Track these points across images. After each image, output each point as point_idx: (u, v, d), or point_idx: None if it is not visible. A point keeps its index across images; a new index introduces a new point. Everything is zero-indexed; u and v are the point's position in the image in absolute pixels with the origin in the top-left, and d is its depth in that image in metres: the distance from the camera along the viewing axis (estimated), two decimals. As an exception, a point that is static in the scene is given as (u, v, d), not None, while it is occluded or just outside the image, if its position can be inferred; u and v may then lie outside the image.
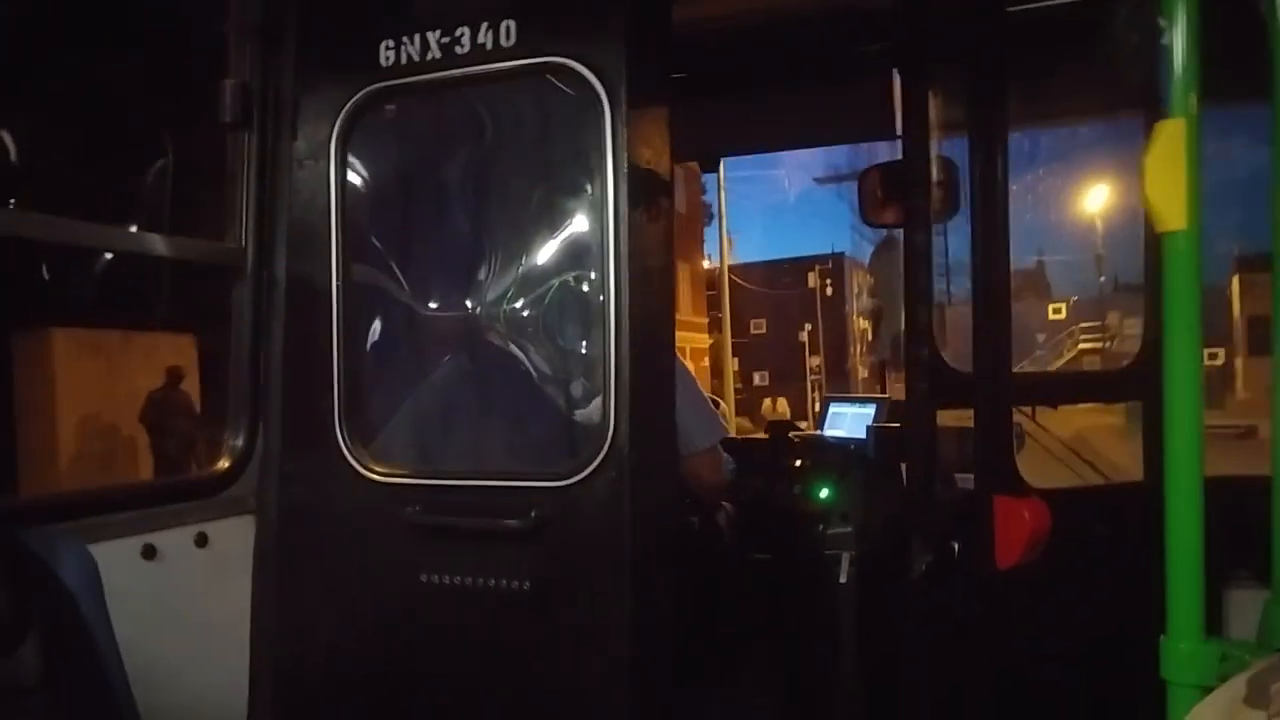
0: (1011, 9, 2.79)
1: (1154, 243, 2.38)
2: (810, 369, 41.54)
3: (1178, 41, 1.21)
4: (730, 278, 37.53)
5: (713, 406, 3.01)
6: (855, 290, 47.13)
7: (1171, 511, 1.31)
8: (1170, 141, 1.17)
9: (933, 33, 2.72)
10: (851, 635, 2.77)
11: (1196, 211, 1.19)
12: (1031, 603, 2.72)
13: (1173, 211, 1.18)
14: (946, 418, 2.82)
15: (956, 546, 2.67)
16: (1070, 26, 3.00)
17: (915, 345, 2.76)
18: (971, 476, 2.78)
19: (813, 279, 44.45)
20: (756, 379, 41.88)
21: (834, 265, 45.62)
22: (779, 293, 43.18)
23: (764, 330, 43.41)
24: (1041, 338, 33.75)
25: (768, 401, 28.73)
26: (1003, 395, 2.76)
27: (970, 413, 2.71)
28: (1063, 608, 2.82)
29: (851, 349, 46.36)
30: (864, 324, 46.40)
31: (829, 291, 44.83)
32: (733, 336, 28.25)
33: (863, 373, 44.62)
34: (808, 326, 42.84)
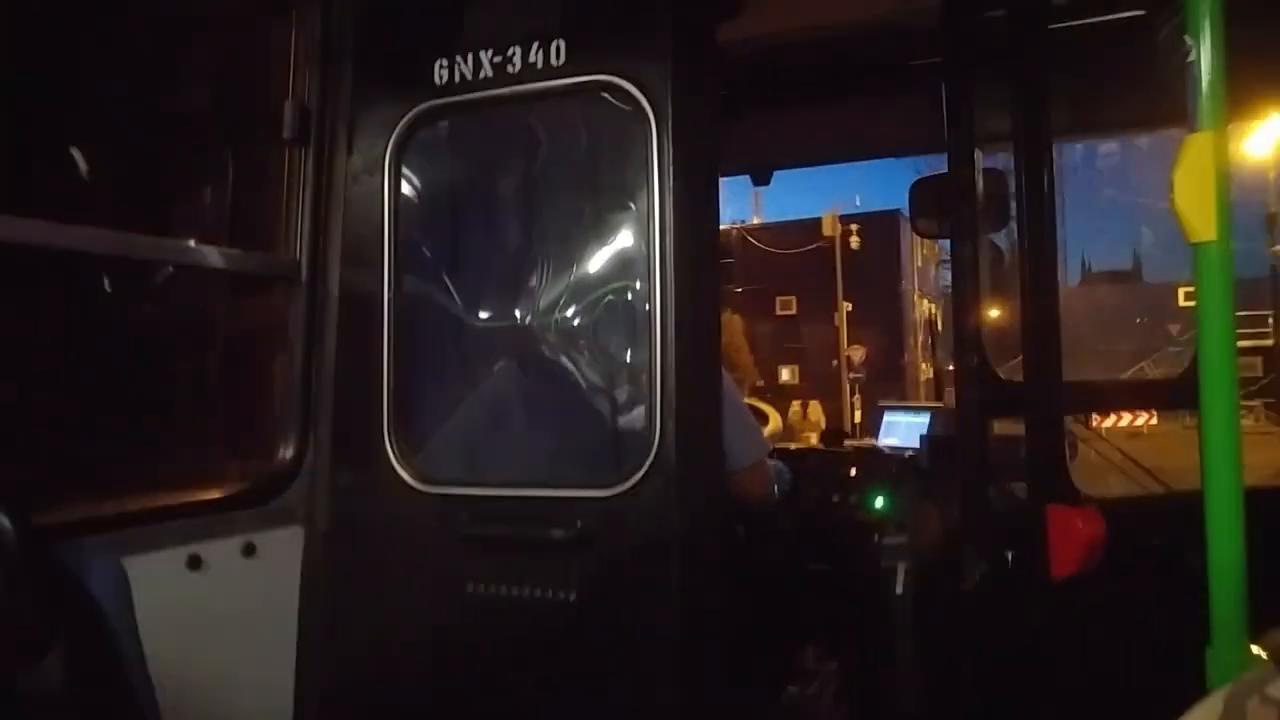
0: (1054, 25, 2.79)
1: None
2: (849, 364, 30.36)
3: (1205, 58, 1.22)
4: (747, 239, 31.14)
5: (755, 421, 3.02)
6: (915, 260, 36.39)
7: (1212, 520, 1.30)
8: (1199, 154, 1.18)
9: (977, 46, 2.73)
10: (908, 646, 2.77)
11: (1227, 222, 1.19)
12: (1089, 613, 2.69)
13: (1203, 222, 1.18)
14: (1007, 426, 2.80)
15: (1011, 557, 2.65)
16: (1112, 40, 2.98)
17: (964, 354, 2.75)
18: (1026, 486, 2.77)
19: (854, 240, 32.74)
20: (784, 375, 31.78)
21: (882, 225, 33.18)
22: (801, 253, 31.67)
23: (793, 309, 33.08)
24: (1176, 328, 29.12)
25: (796, 406, 22.52)
26: (1054, 403, 2.74)
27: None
28: (1120, 618, 2.78)
29: (909, 339, 35.61)
30: (928, 306, 36.52)
31: (863, 253, 32.46)
32: (753, 318, 21.99)
33: (925, 370, 34.45)
34: (847, 306, 31.40)
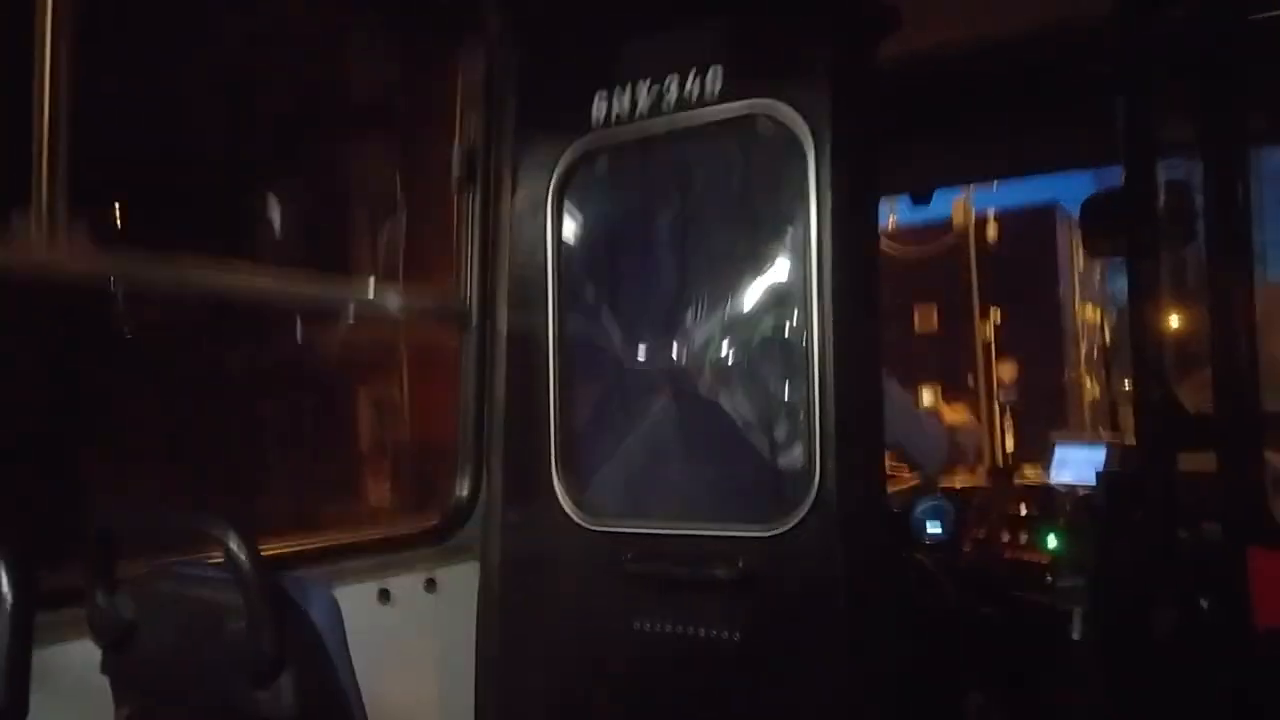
0: (1253, 16, 2.59)
1: None
2: (999, 383, 29.16)
3: None
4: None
5: (930, 420, 2.99)
6: (1076, 263, 32.29)
7: None
8: None
9: (1156, 47, 2.57)
10: (1090, 695, 2.62)
11: None
12: None
13: None
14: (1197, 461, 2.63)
15: (1206, 603, 2.48)
16: None
17: (1145, 384, 2.59)
18: (1219, 526, 2.59)
19: (991, 230, 30.40)
20: (925, 397, 27.59)
21: (1034, 221, 29.01)
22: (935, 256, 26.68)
23: (935, 326, 29.50)
24: None
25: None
26: (1250, 434, 2.55)
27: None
28: None
29: (1070, 353, 31.82)
30: (1092, 313, 33.29)
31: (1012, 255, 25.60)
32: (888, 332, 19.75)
33: (1091, 390, 30.86)
34: (994, 316, 28.62)
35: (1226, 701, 2.42)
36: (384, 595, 2.38)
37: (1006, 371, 25.27)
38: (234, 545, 1.56)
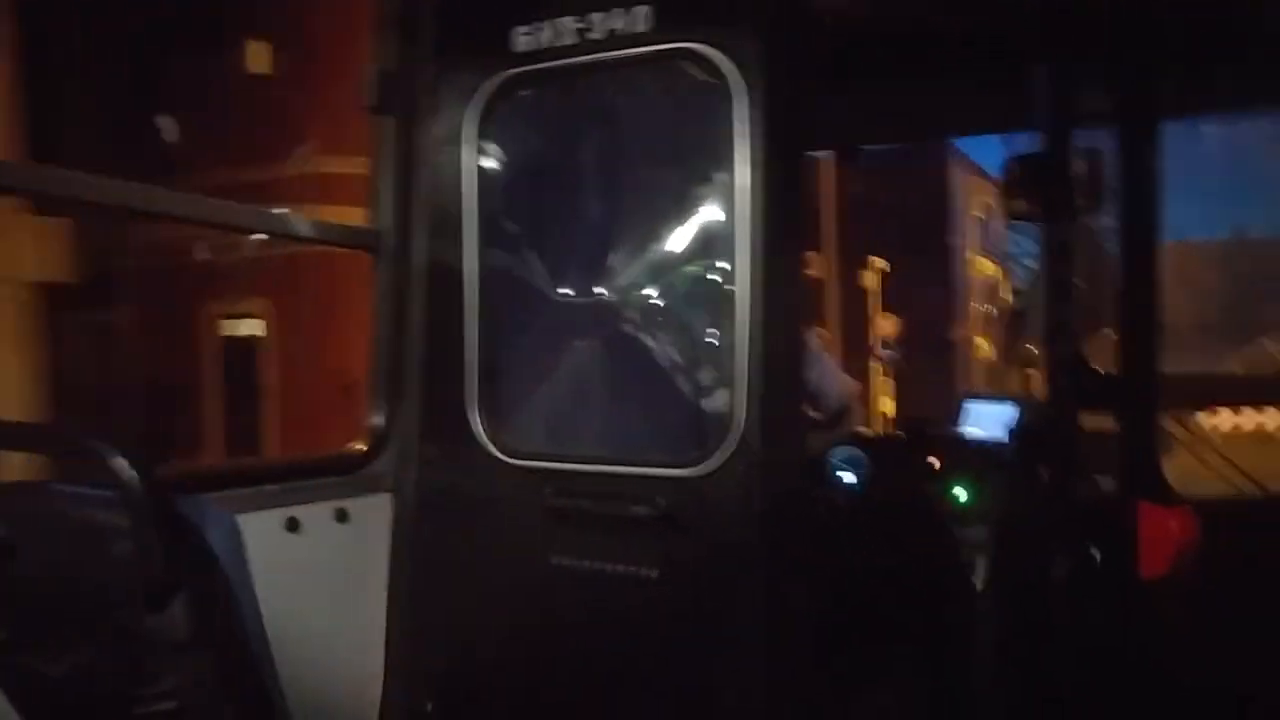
0: None
1: None
2: (881, 339, 22.73)
3: None
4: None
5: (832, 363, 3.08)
6: (973, 211, 30.38)
7: None
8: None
9: (1077, 19, 2.62)
10: (990, 642, 2.71)
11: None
12: (1179, 616, 2.61)
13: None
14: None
15: (1098, 554, 2.58)
16: (1228, 7, 2.84)
17: (1056, 342, 2.66)
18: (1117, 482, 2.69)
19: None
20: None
21: (922, 165, 24.89)
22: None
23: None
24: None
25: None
26: (1150, 397, 2.65)
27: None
28: (1210, 623, 2.70)
29: (963, 308, 29.51)
30: (990, 269, 30.61)
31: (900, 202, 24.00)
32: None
33: (982, 347, 29.73)
34: (876, 267, 23.50)
35: (1109, 645, 2.53)
36: (292, 524, 2.30)
37: (887, 326, 22.71)
38: (118, 464, 1.52)
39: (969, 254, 31.04)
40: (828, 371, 3.07)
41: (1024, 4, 2.83)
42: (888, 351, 22.25)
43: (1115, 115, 2.70)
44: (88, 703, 1.65)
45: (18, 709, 1.56)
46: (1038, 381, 2.93)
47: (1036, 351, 2.86)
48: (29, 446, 2.04)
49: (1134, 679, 2.54)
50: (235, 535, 1.70)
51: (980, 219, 31.63)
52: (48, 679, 1.63)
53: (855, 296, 23.43)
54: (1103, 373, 2.72)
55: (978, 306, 31.13)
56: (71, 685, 1.64)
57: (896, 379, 21.34)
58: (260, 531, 2.13)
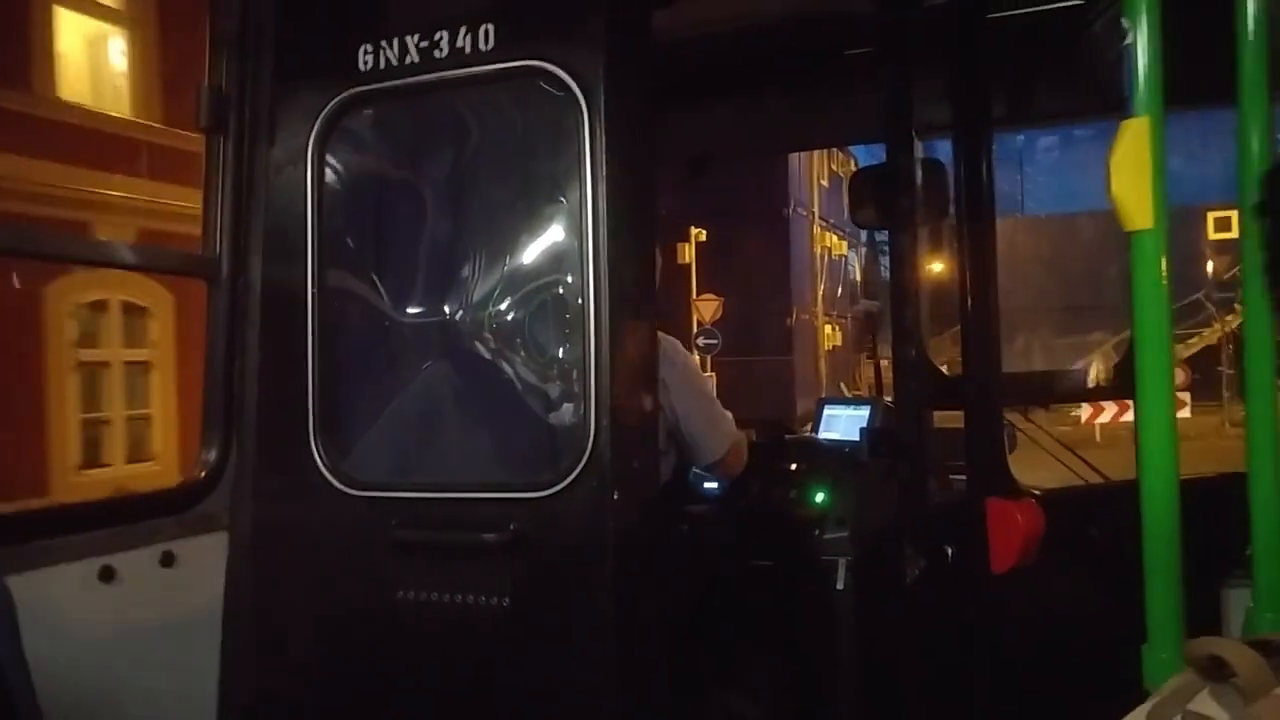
0: (992, 15, 2.78)
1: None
2: (697, 322, 20.68)
3: (1141, 42, 1.19)
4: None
5: (719, 407, 2.98)
6: (816, 178, 27.97)
7: (1148, 514, 1.28)
8: (1135, 140, 1.15)
9: (913, 34, 2.71)
10: (849, 642, 2.75)
11: (1163, 210, 1.17)
12: (1027, 606, 2.69)
13: (1139, 210, 1.15)
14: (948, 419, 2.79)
15: (950, 550, 2.65)
16: (1053, 29, 2.99)
17: (903, 346, 2.74)
18: (962, 480, 2.77)
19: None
20: None
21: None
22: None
23: None
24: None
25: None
26: (992, 396, 2.74)
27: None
28: (1058, 611, 2.79)
29: (802, 288, 26.32)
30: (833, 241, 27.73)
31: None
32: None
33: (831, 336, 26.82)
34: (694, 238, 20.91)
35: (962, 639, 2.59)
36: (106, 574, 2.14)
37: (706, 309, 20.16)
38: None
39: (813, 227, 27.59)
40: (704, 407, 2.93)
41: (863, 17, 2.92)
42: (707, 340, 19.85)
43: (953, 127, 2.80)
44: None
45: None
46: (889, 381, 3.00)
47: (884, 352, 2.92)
48: None
49: (986, 672, 2.61)
50: (5, 604, 1.54)
51: (824, 186, 28.24)
52: None
53: (670, 274, 18.57)
54: (947, 373, 2.82)
55: (823, 288, 27.48)
56: None
57: (717, 373, 18.65)
58: (66, 585, 1.98)
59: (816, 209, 28.13)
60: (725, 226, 21.45)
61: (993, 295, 2.77)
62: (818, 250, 28.11)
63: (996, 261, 2.80)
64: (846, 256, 30.62)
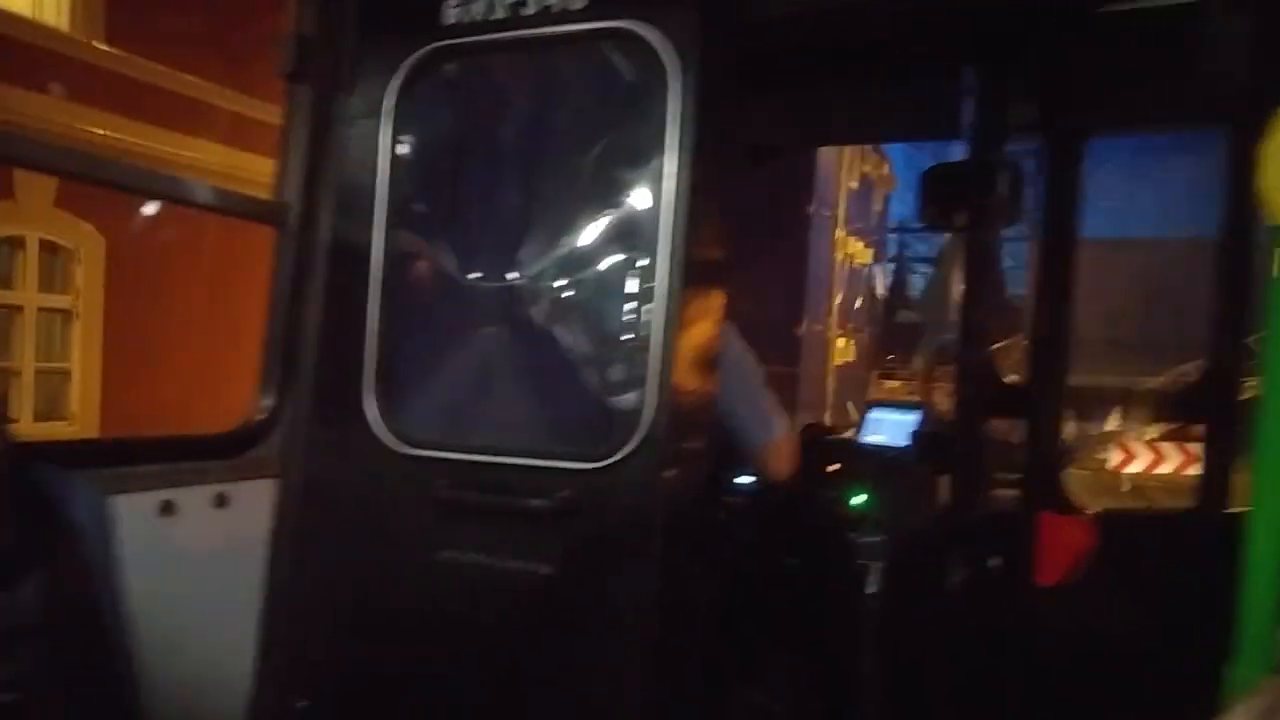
0: (1098, 9, 2.69)
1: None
2: None
3: None
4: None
5: (771, 396, 2.91)
6: (846, 181, 25.41)
7: (1254, 540, 1.23)
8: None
9: (1007, 30, 2.64)
10: (877, 647, 2.70)
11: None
12: (1065, 619, 2.64)
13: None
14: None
15: (996, 562, 2.59)
16: (1157, 27, 2.89)
17: (969, 351, 2.67)
18: (1013, 492, 2.71)
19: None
20: None
21: None
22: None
23: None
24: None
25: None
26: (1057, 409, 2.68)
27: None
28: (1101, 630, 2.73)
29: (819, 295, 24.71)
30: (860, 249, 25.62)
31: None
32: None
33: (844, 349, 24.93)
34: None
35: (999, 651, 2.54)
36: (167, 507, 2.16)
37: None
38: None
39: (836, 231, 25.51)
40: (754, 396, 2.87)
41: (953, 11, 2.85)
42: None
43: (1040, 129, 2.73)
44: None
45: None
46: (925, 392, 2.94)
47: (931, 362, 2.87)
48: None
49: (1021, 683, 2.56)
50: (101, 510, 1.57)
51: (853, 189, 25.99)
52: None
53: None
54: (1009, 383, 2.75)
55: (840, 297, 25.32)
56: None
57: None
58: (132, 514, 2.01)
59: (842, 211, 26.53)
60: (738, 219, 21.77)
61: (1067, 307, 2.70)
62: (839, 256, 26.50)
63: (1075, 273, 2.73)
64: (870, 266, 28.98)
